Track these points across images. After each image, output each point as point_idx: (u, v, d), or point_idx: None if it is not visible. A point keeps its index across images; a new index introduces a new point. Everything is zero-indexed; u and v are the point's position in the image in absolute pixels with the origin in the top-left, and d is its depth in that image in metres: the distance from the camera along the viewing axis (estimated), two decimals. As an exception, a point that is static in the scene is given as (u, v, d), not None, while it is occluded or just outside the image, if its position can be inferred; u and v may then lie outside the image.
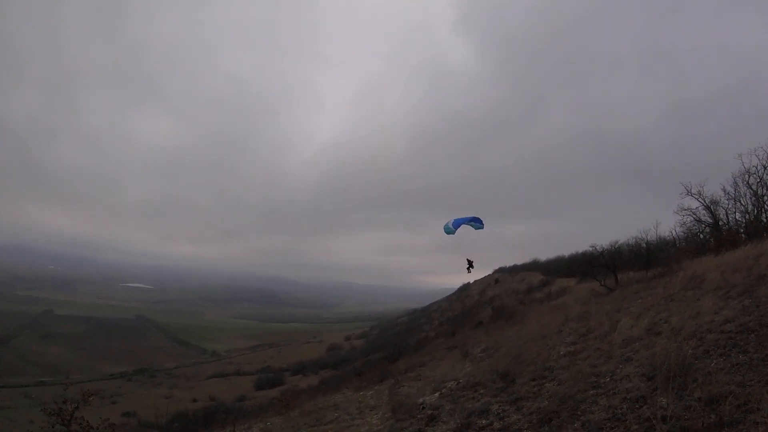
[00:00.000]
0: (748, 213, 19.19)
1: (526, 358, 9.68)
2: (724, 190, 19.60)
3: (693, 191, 20.14)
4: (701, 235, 21.36)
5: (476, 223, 13.13)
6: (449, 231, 12.65)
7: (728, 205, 19.72)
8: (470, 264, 13.83)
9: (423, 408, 8.17)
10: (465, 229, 13.59)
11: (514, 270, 77.31)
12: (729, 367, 5.14)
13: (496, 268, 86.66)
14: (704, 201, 20.15)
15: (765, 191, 18.31)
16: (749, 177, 18.49)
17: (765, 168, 18.03)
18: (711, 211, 20.18)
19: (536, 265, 67.70)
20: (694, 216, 20.79)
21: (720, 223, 19.92)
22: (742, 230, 19.06)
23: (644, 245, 22.56)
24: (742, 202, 19.26)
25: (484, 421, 6.25)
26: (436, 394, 9.49)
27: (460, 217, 13.40)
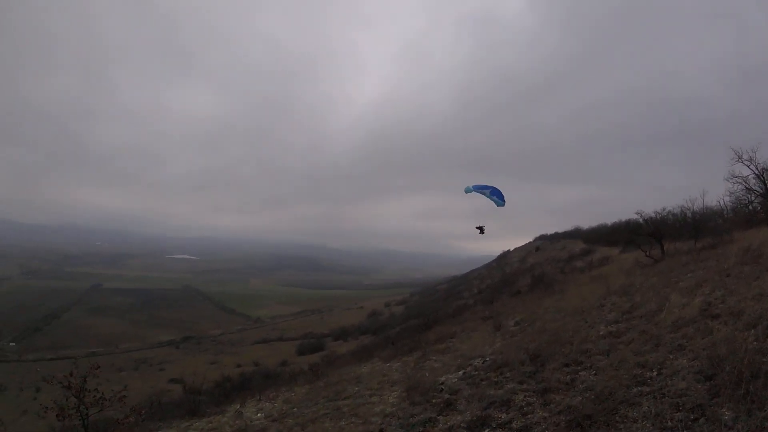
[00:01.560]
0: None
1: (561, 337, 8.74)
2: (779, 156, 17.47)
3: (744, 157, 18.14)
4: (750, 206, 19.32)
5: (497, 198, 13.70)
6: (468, 190, 13.41)
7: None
8: (481, 230, 15.27)
9: (441, 390, 7.49)
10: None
11: (556, 238, 76.25)
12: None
13: (538, 235, 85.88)
14: (756, 168, 18.09)
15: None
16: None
17: None
18: (763, 180, 18.09)
19: (578, 233, 66.21)
20: (745, 184, 18.77)
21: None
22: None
23: (690, 215, 20.67)
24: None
25: (503, 416, 5.39)
26: (460, 373, 8.79)
27: (483, 184, 13.98)
